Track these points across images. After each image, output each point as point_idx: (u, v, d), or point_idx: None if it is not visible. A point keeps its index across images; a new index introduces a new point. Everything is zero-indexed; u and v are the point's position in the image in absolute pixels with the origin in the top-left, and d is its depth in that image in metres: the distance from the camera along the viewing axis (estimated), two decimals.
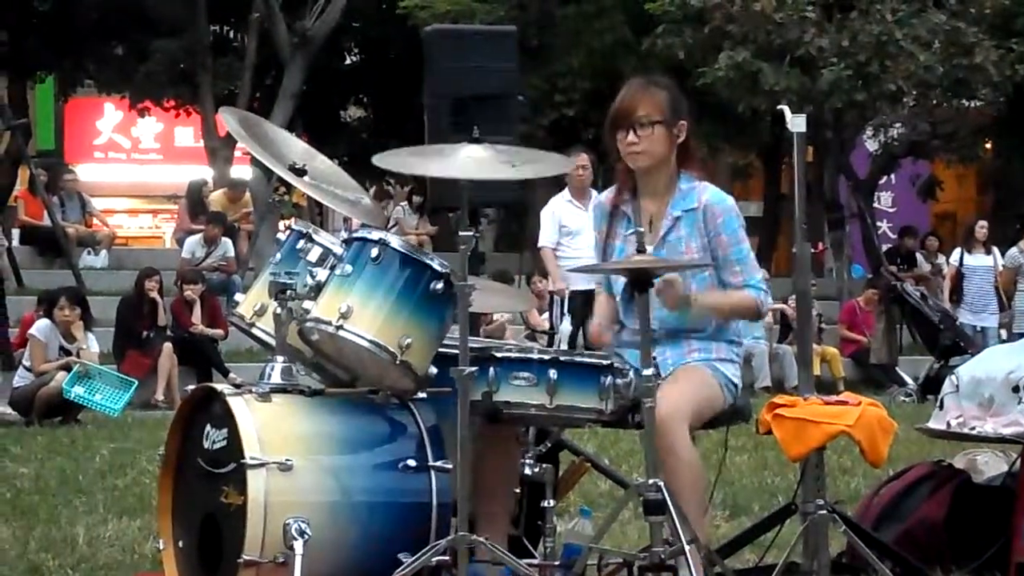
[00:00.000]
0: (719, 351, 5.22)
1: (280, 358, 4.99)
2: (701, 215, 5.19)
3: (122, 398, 13.38)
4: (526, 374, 4.81)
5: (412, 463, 4.84)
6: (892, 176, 26.39)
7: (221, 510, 4.75)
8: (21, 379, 13.67)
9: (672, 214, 5.20)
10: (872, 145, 24.44)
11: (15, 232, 20.32)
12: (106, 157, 33.74)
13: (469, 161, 4.82)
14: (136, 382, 13.79)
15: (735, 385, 5.23)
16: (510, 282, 14.59)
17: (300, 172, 5.32)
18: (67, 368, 13.38)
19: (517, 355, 4.87)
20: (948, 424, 5.63)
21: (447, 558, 4.63)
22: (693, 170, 5.29)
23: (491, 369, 4.78)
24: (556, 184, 13.36)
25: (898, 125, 22.54)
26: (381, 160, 5.03)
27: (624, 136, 5.17)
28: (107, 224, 22.43)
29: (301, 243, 5.20)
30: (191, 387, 5.19)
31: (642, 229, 4.78)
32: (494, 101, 10.39)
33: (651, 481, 4.59)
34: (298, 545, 4.57)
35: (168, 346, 15.35)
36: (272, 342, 5.09)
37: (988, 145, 25.69)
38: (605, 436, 9.30)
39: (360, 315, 4.78)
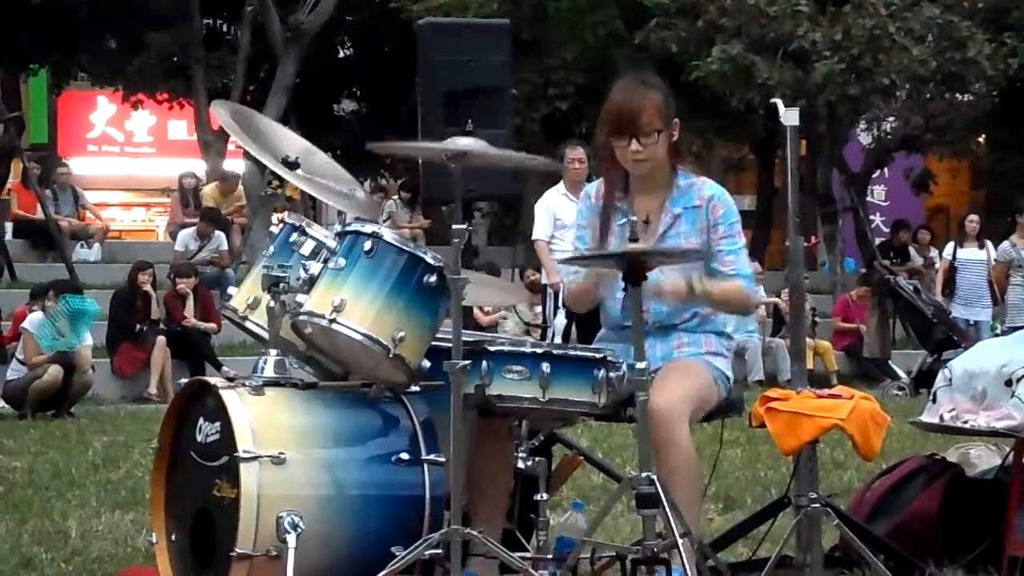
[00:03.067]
0: (708, 344, 5.19)
1: (273, 351, 4.98)
2: (704, 211, 5.14)
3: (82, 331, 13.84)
4: (519, 367, 4.79)
5: (405, 456, 4.84)
6: (885, 170, 26.38)
7: (214, 503, 4.74)
8: (14, 372, 13.68)
9: (672, 211, 5.14)
10: (865, 139, 24.44)
11: (8, 225, 20.31)
12: (99, 150, 33.71)
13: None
14: (97, 306, 14.26)
15: (727, 378, 5.21)
16: (497, 274, 14.61)
17: (293, 165, 5.31)
18: (60, 362, 13.37)
19: (510, 348, 4.85)
20: (941, 418, 5.62)
21: (440, 551, 4.62)
22: (685, 164, 5.23)
23: (484, 362, 4.76)
24: (550, 178, 13.37)
25: (891, 119, 22.53)
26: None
27: (625, 143, 5.05)
28: (100, 217, 22.38)
29: (294, 236, 5.20)
30: (184, 380, 5.18)
31: (635, 218, 4.73)
32: (487, 95, 10.39)
33: (644, 474, 4.58)
34: (291, 538, 4.57)
35: (161, 339, 15.36)
36: (265, 335, 5.08)
37: (981, 139, 25.72)
38: (598, 430, 9.30)
39: (353, 308, 4.77)
